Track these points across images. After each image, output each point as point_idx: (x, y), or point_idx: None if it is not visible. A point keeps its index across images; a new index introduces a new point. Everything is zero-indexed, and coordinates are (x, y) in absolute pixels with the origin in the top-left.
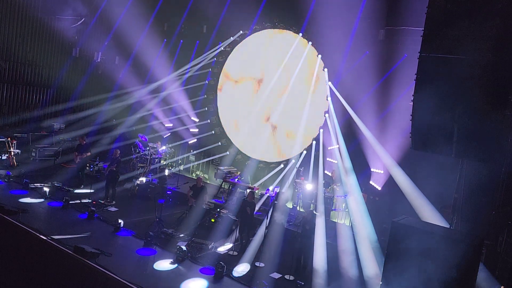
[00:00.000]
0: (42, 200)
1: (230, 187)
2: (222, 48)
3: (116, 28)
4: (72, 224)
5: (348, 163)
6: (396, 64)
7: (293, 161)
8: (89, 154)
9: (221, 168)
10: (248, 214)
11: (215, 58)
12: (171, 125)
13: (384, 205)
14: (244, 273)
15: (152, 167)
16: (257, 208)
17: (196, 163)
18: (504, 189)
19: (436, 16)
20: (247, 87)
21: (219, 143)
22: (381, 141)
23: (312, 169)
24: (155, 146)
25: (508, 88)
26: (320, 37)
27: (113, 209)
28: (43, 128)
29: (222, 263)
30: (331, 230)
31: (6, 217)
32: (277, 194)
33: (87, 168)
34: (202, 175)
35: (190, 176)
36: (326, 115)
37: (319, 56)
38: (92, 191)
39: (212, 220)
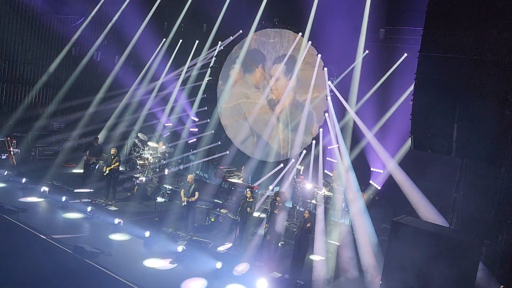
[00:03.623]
0: (41, 199)
1: (230, 187)
2: (222, 48)
3: (116, 27)
4: (72, 223)
5: (348, 163)
6: (396, 63)
7: (293, 160)
8: (103, 156)
9: (221, 167)
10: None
11: (214, 58)
12: (170, 124)
13: (384, 204)
14: (244, 272)
15: (151, 166)
16: (256, 207)
17: (195, 162)
18: (503, 189)
19: (436, 15)
20: (247, 87)
21: (219, 143)
22: (381, 140)
23: (312, 169)
24: (155, 146)
25: (508, 88)
26: (320, 37)
27: (112, 208)
28: (43, 128)
29: None
30: (331, 229)
31: (6, 217)
32: (276, 193)
33: (91, 168)
34: (202, 175)
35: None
36: (326, 114)
37: (319, 55)
38: (91, 190)
39: (212, 220)
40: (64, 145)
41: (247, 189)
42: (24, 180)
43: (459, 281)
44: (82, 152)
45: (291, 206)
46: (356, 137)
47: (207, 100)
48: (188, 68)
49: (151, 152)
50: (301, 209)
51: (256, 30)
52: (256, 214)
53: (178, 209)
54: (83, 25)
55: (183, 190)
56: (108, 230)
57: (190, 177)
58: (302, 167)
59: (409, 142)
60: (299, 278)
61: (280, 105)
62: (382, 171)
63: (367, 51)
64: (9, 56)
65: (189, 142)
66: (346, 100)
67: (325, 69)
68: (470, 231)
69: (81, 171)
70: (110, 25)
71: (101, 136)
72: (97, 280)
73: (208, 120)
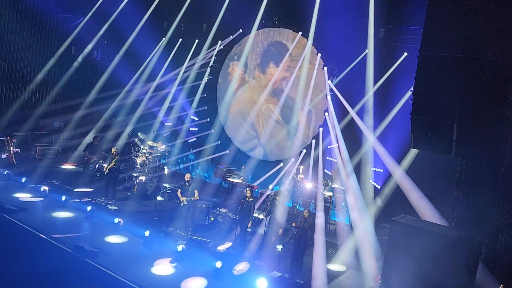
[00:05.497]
0: (41, 198)
1: (230, 186)
2: (222, 47)
3: (115, 26)
4: (72, 222)
5: (348, 162)
6: (396, 62)
7: (293, 159)
8: (103, 154)
9: (221, 166)
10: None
11: (214, 57)
12: (170, 123)
13: (384, 203)
14: (244, 271)
15: (151, 165)
16: (256, 207)
17: (195, 161)
18: (503, 188)
19: (436, 15)
20: (247, 86)
21: (219, 142)
22: (381, 139)
23: (311, 168)
24: (154, 145)
25: (508, 87)
26: (320, 36)
27: (112, 207)
28: (43, 127)
29: None
30: (331, 228)
31: (6, 216)
32: (276, 192)
33: (91, 167)
34: (202, 174)
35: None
36: (326, 113)
37: (319, 54)
38: (91, 189)
39: (212, 219)
40: (63, 144)
41: (247, 188)
42: (23, 179)
43: (459, 281)
44: (82, 151)
45: (291, 205)
46: (355, 136)
47: (207, 99)
48: (187, 67)
49: (150, 151)
50: (301, 209)
51: (256, 30)
52: (256, 214)
53: (178, 209)
54: (82, 23)
55: (179, 190)
56: (108, 229)
57: (187, 176)
58: (302, 167)
59: (412, 148)
60: (298, 277)
61: (279, 104)
62: (381, 170)
63: (366, 50)
64: (9, 56)
65: (188, 141)
66: (347, 99)
67: (325, 68)
68: (469, 231)
69: (81, 170)
70: (108, 23)
71: (99, 135)
72: (97, 279)
73: (208, 119)
